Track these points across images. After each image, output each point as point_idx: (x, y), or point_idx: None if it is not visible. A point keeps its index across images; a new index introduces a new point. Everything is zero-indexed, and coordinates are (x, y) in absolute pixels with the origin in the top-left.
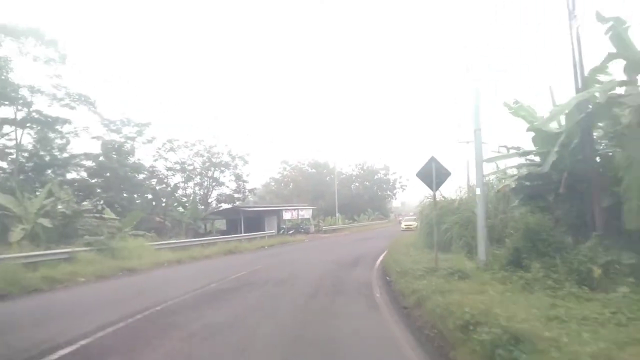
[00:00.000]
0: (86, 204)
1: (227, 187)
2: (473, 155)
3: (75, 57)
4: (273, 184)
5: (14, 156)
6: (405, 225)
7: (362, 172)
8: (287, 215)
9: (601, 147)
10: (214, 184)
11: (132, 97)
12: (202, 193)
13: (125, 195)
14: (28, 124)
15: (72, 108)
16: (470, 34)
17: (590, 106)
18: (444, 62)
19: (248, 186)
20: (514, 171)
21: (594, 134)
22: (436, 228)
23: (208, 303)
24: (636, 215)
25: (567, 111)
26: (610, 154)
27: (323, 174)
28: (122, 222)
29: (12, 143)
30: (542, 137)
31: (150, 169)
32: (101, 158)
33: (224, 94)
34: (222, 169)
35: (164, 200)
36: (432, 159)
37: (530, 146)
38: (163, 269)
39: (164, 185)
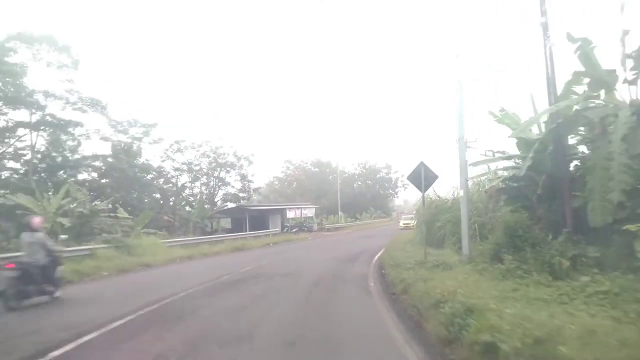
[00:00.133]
0: (98, 203)
1: (233, 186)
2: (475, 153)
3: (82, 58)
4: (277, 183)
5: (27, 157)
6: (404, 224)
7: (364, 171)
8: (290, 214)
9: (579, 152)
10: (220, 183)
11: (132, 97)
12: (208, 193)
13: (134, 195)
14: (42, 127)
15: (84, 112)
16: (461, 44)
17: (560, 120)
18: (443, 65)
19: (253, 186)
20: (504, 173)
21: (576, 139)
22: (424, 226)
23: (223, 291)
24: (598, 214)
25: (543, 121)
26: (581, 159)
27: (326, 173)
28: (135, 221)
29: (25, 145)
30: (523, 143)
31: (158, 169)
32: (110, 159)
33: (225, 94)
34: (228, 169)
35: (172, 199)
36: (421, 164)
37: (516, 150)
38: (177, 264)
39: (170, 185)
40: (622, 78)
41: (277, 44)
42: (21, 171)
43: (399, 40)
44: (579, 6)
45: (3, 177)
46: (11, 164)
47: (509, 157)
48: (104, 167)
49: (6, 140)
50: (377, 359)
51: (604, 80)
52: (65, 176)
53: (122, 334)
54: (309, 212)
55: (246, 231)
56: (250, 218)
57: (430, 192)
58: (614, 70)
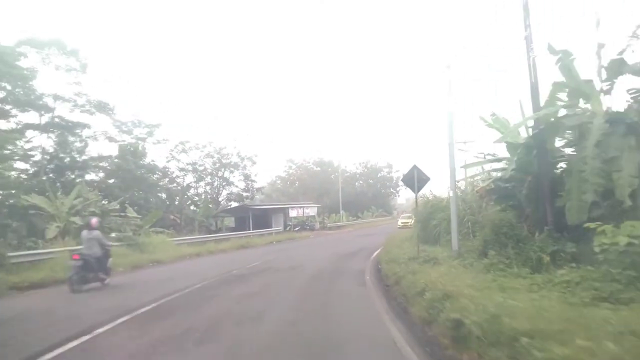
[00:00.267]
0: (105, 203)
1: (236, 186)
2: (470, 155)
3: (87, 61)
4: (279, 182)
5: (35, 158)
6: (402, 223)
7: (365, 170)
8: (293, 213)
9: (565, 155)
10: (224, 183)
11: (134, 97)
12: (212, 192)
13: (141, 194)
14: (50, 129)
15: (92, 114)
16: (452, 54)
17: (542, 126)
18: (442, 66)
19: (256, 185)
20: (497, 174)
21: (563, 142)
22: (418, 224)
23: (235, 282)
24: (575, 213)
25: (530, 126)
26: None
27: (328, 172)
28: (144, 220)
29: (32, 146)
30: (512, 146)
31: (164, 170)
32: (117, 160)
33: (227, 94)
34: (232, 169)
35: (177, 199)
36: (414, 167)
37: (507, 153)
38: (187, 261)
39: (175, 184)
40: (598, 88)
41: (280, 44)
42: (30, 172)
43: (399, 41)
44: (562, 20)
45: (12, 177)
46: (19, 164)
47: (499, 160)
48: (110, 167)
49: (16, 142)
50: (366, 336)
51: (581, 90)
52: (73, 177)
53: (158, 313)
54: (311, 211)
55: (250, 230)
56: (253, 217)
57: (426, 191)
58: (591, 81)
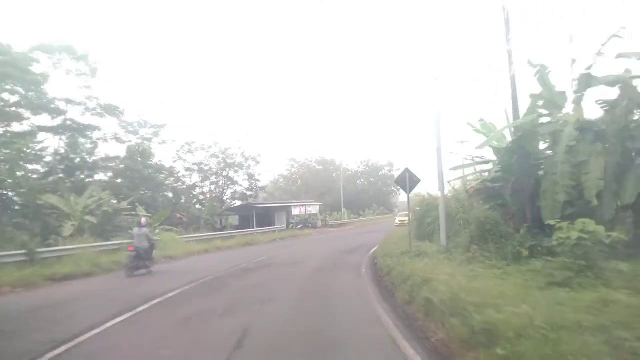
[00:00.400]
0: (115, 202)
1: (241, 185)
2: (462, 157)
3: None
4: (282, 180)
5: (47, 159)
6: (399, 221)
7: (367, 168)
8: (295, 211)
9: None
10: (228, 183)
11: (136, 97)
12: (217, 191)
13: (149, 194)
14: (61, 131)
15: (102, 116)
16: (441, 68)
17: (521, 133)
18: (435, 73)
19: (260, 185)
20: (487, 175)
21: (545, 145)
22: (412, 222)
23: (244, 274)
24: (550, 211)
25: (513, 130)
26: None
27: (330, 170)
28: (153, 218)
29: (43, 147)
30: (497, 150)
31: (170, 170)
32: (126, 160)
33: (229, 93)
34: (236, 169)
35: (184, 198)
36: (406, 170)
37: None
38: (196, 256)
39: (180, 183)
40: (571, 99)
41: (283, 45)
42: (41, 172)
43: (400, 41)
44: (543, 35)
45: (30, 178)
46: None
47: (486, 162)
48: (118, 167)
49: (29, 144)
50: (357, 314)
51: (555, 101)
52: (83, 177)
53: (186, 295)
54: (314, 209)
55: (254, 228)
56: (257, 215)
57: (422, 191)
58: (564, 92)
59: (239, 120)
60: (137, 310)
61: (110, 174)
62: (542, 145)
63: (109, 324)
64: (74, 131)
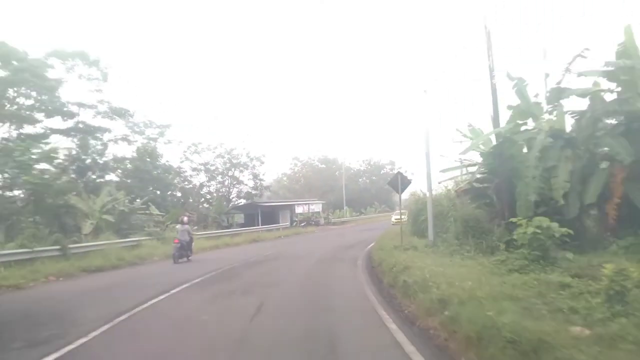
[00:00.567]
0: (127, 201)
1: (246, 185)
2: (452, 159)
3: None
4: (285, 179)
5: (59, 160)
6: (395, 219)
7: (369, 167)
8: (299, 209)
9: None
10: (234, 182)
11: (138, 98)
12: (224, 191)
13: (157, 193)
14: (73, 133)
15: (112, 119)
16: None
17: (501, 139)
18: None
19: (264, 184)
20: (477, 176)
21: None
22: (405, 220)
23: (254, 266)
24: (524, 210)
25: (494, 136)
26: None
27: (332, 169)
28: (165, 217)
29: (53, 147)
30: (483, 154)
31: (178, 170)
32: (136, 161)
33: (231, 94)
34: (242, 169)
35: (191, 197)
36: (398, 173)
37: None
38: (209, 251)
39: (187, 182)
40: (545, 109)
41: (286, 47)
42: (53, 172)
43: (397, 48)
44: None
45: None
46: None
47: (472, 165)
48: (128, 168)
49: (41, 146)
50: (350, 294)
51: (531, 111)
52: (94, 177)
53: (210, 280)
54: (316, 207)
55: (259, 225)
56: (262, 213)
57: (418, 190)
58: (540, 103)
59: (242, 120)
60: (176, 290)
61: (118, 171)
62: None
63: (156, 299)
64: (85, 133)
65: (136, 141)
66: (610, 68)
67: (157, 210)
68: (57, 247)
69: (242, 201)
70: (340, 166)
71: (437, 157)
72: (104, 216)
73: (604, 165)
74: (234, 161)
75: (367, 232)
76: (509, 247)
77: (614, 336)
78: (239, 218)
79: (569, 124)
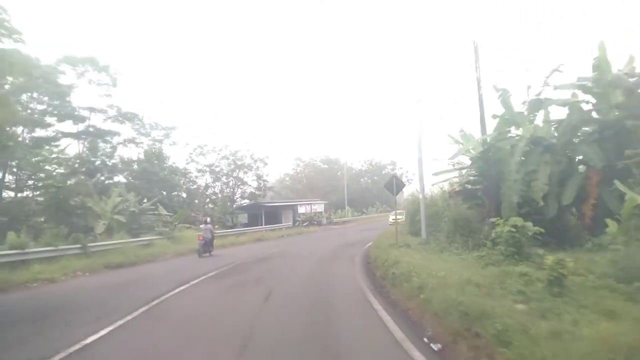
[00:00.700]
0: (138, 203)
1: (250, 185)
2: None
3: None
4: (288, 179)
5: (69, 162)
6: (392, 220)
7: (370, 167)
8: (301, 209)
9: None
10: (238, 183)
11: (142, 99)
12: (228, 191)
13: (164, 194)
14: (83, 136)
15: (122, 122)
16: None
17: (486, 146)
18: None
19: (267, 185)
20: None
21: None
22: (401, 219)
23: (262, 261)
24: (507, 210)
25: (481, 142)
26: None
27: (334, 169)
28: (173, 217)
29: (64, 150)
30: (473, 158)
31: (184, 171)
32: (144, 163)
33: (234, 95)
34: (246, 170)
35: (197, 198)
36: (393, 176)
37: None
38: (217, 250)
39: (191, 183)
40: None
41: (289, 48)
42: (63, 173)
43: (402, 43)
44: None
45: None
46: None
47: (462, 168)
48: (136, 170)
49: (53, 149)
50: (346, 285)
51: (515, 120)
52: (103, 178)
53: (224, 274)
54: (319, 207)
55: (262, 225)
56: (265, 213)
57: (415, 191)
58: (522, 113)
59: (245, 121)
60: (196, 281)
61: (125, 174)
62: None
63: (183, 287)
64: (95, 136)
65: (142, 143)
66: (583, 82)
67: (165, 210)
68: (78, 245)
69: (246, 201)
70: (342, 166)
71: (434, 160)
72: (116, 216)
73: (581, 169)
74: (238, 163)
75: (367, 232)
76: (494, 245)
77: (542, 310)
78: (243, 218)
79: (550, 131)
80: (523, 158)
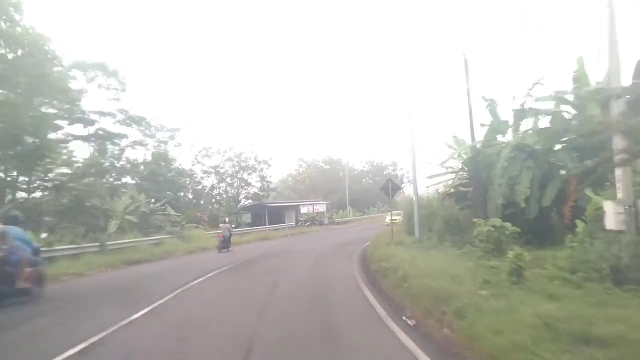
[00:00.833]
0: (149, 204)
1: (254, 187)
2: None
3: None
4: (290, 180)
5: (79, 165)
6: (389, 221)
7: (372, 168)
8: (304, 210)
9: None
10: (243, 184)
11: (147, 101)
12: (233, 192)
13: (171, 195)
14: (93, 139)
15: (130, 126)
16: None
17: (475, 152)
18: (437, 67)
19: (271, 186)
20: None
21: None
22: (396, 219)
23: (269, 258)
24: (494, 211)
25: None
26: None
27: (336, 170)
28: (182, 218)
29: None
30: (465, 162)
31: (190, 173)
32: (152, 165)
33: (237, 96)
34: (250, 172)
35: (203, 199)
36: (389, 180)
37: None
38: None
39: (195, 184)
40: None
41: (292, 50)
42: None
43: (403, 45)
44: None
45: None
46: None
47: (455, 172)
48: (145, 172)
49: (62, 150)
50: (344, 277)
51: (500, 129)
52: (112, 180)
53: (236, 268)
54: (321, 208)
55: (266, 225)
56: (269, 214)
57: (411, 192)
58: (507, 122)
59: (249, 123)
60: (212, 273)
61: (135, 176)
62: None
63: (202, 278)
64: (105, 139)
65: (147, 144)
66: (560, 95)
67: (173, 211)
68: (97, 244)
69: (250, 202)
70: (344, 167)
71: (429, 164)
72: (127, 217)
73: (563, 174)
74: (243, 165)
75: (367, 232)
76: (481, 243)
77: (499, 294)
78: (247, 218)
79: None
80: (507, 164)
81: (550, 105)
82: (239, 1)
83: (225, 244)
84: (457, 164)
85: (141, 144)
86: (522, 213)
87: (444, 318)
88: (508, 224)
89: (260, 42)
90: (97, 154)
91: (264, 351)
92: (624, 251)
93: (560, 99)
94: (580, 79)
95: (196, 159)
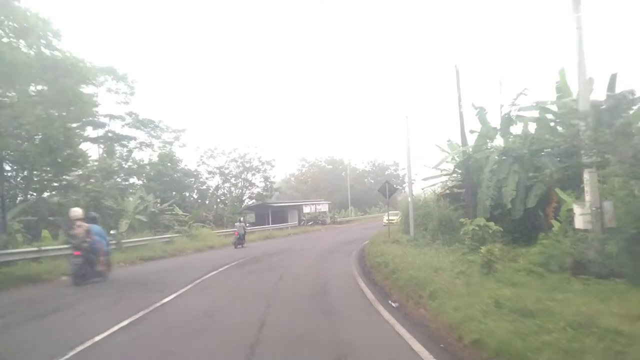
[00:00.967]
0: (151, 202)
1: (257, 187)
2: (436, 167)
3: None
4: (293, 180)
5: (89, 165)
6: (386, 221)
7: (374, 168)
8: (306, 209)
9: None
10: (246, 185)
11: (152, 102)
12: (237, 192)
13: (176, 195)
14: (102, 141)
15: (138, 128)
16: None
17: (466, 156)
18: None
19: (274, 186)
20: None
21: None
22: (394, 219)
23: (273, 255)
24: (482, 212)
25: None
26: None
27: (338, 170)
28: (189, 217)
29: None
30: (457, 165)
31: (195, 173)
32: (154, 165)
33: (240, 96)
34: (254, 172)
35: (208, 199)
36: (386, 182)
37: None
38: (231, 246)
39: (199, 184)
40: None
41: (294, 50)
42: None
43: (404, 46)
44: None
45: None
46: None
47: (448, 174)
48: (151, 173)
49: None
50: (342, 272)
51: (489, 134)
52: (119, 180)
53: (244, 263)
54: (323, 207)
55: (269, 224)
56: (272, 213)
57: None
58: (496, 128)
59: (252, 123)
60: (223, 268)
61: (142, 176)
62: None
63: (215, 271)
64: (113, 141)
65: (153, 145)
66: (541, 105)
67: (180, 211)
68: (114, 241)
69: (253, 202)
70: (346, 167)
71: (424, 166)
72: (137, 216)
73: (547, 176)
74: (247, 165)
75: (368, 231)
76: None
77: (469, 282)
78: (250, 217)
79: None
80: (495, 167)
81: (535, 113)
82: (245, 5)
83: (239, 240)
84: (450, 167)
85: (148, 145)
86: (508, 213)
87: (420, 300)
88: (491, 223)
89: (264, 44)
90: (105, 155)
91: (273, 326)
92: (590, 248)
93: (542, 108)
94: (562, 88)
95: (201, 159)
